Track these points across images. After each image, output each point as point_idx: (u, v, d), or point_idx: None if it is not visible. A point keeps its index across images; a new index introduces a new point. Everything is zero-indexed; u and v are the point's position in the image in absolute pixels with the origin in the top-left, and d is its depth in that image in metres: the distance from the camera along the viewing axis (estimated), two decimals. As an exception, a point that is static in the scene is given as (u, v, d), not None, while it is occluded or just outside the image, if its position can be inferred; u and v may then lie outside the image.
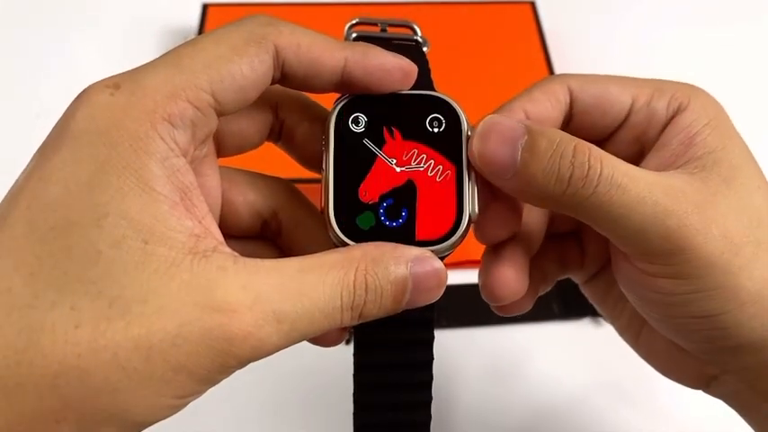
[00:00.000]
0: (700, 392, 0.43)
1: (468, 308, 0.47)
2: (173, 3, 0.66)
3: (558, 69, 0.59)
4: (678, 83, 0.29)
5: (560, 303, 0.49)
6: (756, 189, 0.27)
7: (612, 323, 0.34)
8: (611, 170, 0.25)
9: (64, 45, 0.64)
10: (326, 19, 0.62)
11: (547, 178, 0.25)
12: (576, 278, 0.34)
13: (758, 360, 0.27)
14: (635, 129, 0.29)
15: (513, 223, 0.28)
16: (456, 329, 0.47)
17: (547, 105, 0.28)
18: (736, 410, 0.31)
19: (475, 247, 0.28)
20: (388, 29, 0.28)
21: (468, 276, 0.29)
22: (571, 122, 0.29)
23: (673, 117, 0.28)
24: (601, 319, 0.48)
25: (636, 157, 0.29)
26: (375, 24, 0.28)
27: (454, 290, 0.34)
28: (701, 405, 0.44)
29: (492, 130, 0.25)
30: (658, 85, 0.29)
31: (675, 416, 0.44)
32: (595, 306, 0.35)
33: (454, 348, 0.46)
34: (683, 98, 0.28)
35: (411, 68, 0.26)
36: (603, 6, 0.69)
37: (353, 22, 0.28)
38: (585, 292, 0.35)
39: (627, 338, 0.34)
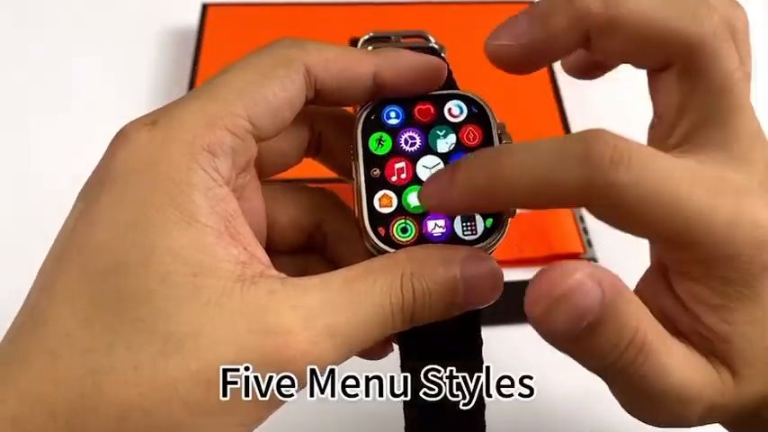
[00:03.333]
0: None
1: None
2: (173, 3, 0.65)
3: (558, 69, 0.59)
4: None
5: (560, 303, 0.49)
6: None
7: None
8: (650, 360, 0.22)
9: (64, 44, 0.64)
10: (327, 19, 0.62)
11: (595, 357, 0.22)
12: None
13: None
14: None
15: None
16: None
17: None
18: None
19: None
20: (402, 40, 0.28)
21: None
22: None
23: None
24: (601, 319, 0.48)
25: None
26: (388, 38, 0.28)
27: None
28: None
29: (564, 299, 0.21)
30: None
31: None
32: None
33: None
34: None
35: (441, 65, 0.26)
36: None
37: (366, 37, 0.28)
38: None
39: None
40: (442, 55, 0.28)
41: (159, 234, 0.21)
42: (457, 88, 0.27)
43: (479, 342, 0.26)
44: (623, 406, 0.25)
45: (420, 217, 0.25)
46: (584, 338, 0.21)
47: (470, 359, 0.26)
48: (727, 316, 0.23)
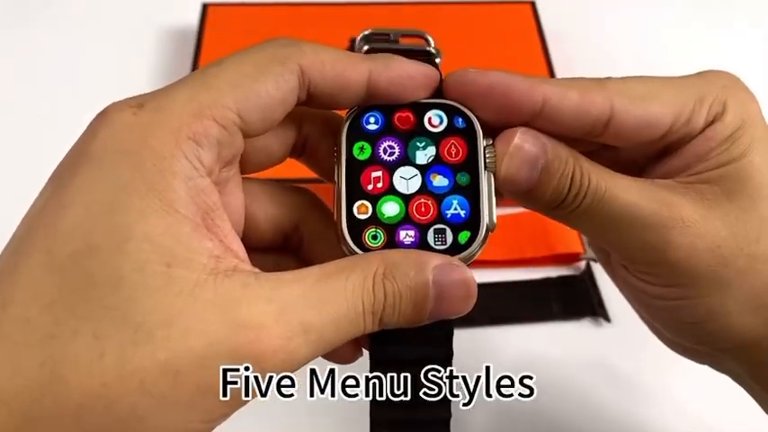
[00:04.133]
0: (699, 392, 0.43)
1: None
2: (173, 3, 0.66)
3: (557, 69, 0.59)
4: (716, 83, 0.27)
5: (560, 303, 0.49)
6: (763, 198, 0.26)
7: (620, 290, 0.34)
8: (596, 184, 0.26)
9: (64, 44, 0.64)
10: (327, 19, 0.62)
11: (552, 196, 0.26)
12: None
13: (752, 358, 0.28)
14: (668, 142, 0.27)
15: None
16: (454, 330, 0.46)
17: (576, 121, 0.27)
18: (742, 387, 0.31)
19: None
20: (400, 39, 0.28)
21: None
22: (601, 136, 0.27)
23: (704, 129, 0.27)
24: (601, 319, 0.48)
25: (656, 159, 0.28)
26: (387, 35, 0.28)
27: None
28: (701, 404, 0.44)
29: (520, 150, 0.25)
30: (700, 92, 0.27)
31: (675, 415, 0.44)
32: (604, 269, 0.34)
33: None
34: (718, 108, 0.26)
35: (434, 74, 0.26)
36: (603, 6, 0.69)
37: (366, 33, 0.28)
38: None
39: (633, 307, 0.33)
40: (437, 61, 0.28)
41: (136, 220, 0.21)
42: (446, 98, 0.27)
43: (449, 354, 0.25)
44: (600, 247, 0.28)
45: (392, 227, 0.25)
46: (544, 181, 0.25)
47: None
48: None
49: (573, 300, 0.49)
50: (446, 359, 0.25)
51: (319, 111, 0.28)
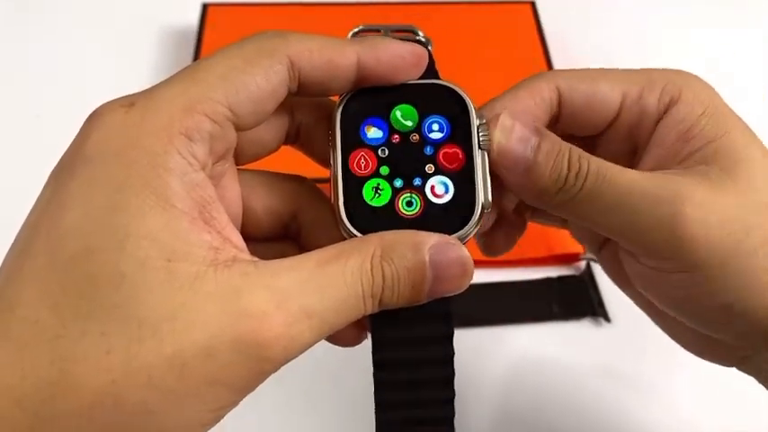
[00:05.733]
0: (699, 392, 0.44)
1: (466, 308, 0.48)
2: (173, 3, 0.66)
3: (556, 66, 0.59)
4: (669, 72, 0.29)
5: (560, 303, 0.49)
6: (762, 172, 0.27)
7: (633, 299, 0.34)
8: (597, 166, 0.26)
9: (64, 44, 0.64)
10: (327, 19, 0.62)
11: (551, 177, 0.26)
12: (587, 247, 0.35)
13: None
14: (626, 125, 0.29)
15: (516, 237, 0.31)
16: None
17: (530, 104, 0.29)
18: None
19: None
20: (390, 34, 0.28)
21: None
22: (559, 122, 0.29)
23: (665, 111, 0.28)
24: (601, 319, 0.48)
25: (629, 155, 0.30)
26: (378, 31, 0.28)
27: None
28: (702, 403, 0.44)
29: (514, 126, 0.26)
30: (649, 77, 0.29)
31: (676, 415, 0.44)
32: (612, 281, 0.34)
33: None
34: (674, 90, 0.28)
35: (422, 52, 0.26)
36: (603, 7, 0.69)
37: (356, 29, 0.28)
38: (600, 264, 0.34)
39: (651, 317, 0.33)
40: (429, 48, 0.28)
41: (134, 218, 0.21)
42: (438, 78, 0.27)
43: (450, 331, 0.26)
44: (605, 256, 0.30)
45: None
46: (540, 161, 0.26)
47: (440, 351, 0.25)
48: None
49: (573, 300, 0.49)
50: (447, 337, 0.26)
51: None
